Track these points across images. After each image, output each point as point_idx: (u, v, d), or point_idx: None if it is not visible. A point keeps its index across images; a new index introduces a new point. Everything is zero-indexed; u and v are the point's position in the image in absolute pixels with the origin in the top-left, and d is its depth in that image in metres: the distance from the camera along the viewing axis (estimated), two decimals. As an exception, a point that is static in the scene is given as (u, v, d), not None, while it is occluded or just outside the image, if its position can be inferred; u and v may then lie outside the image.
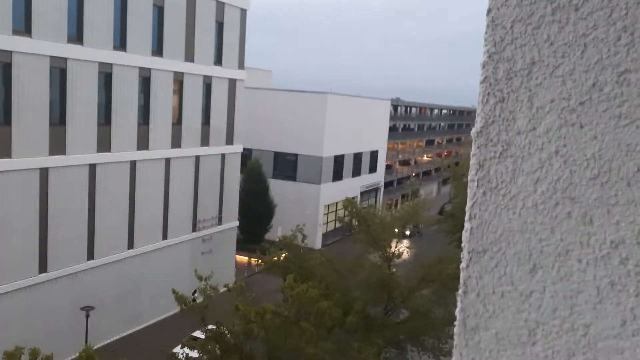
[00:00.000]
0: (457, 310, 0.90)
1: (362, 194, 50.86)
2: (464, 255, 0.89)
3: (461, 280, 0.89)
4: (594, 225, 0.80)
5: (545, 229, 0.83)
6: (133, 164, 25.36)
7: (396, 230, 25.03)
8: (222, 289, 17.11)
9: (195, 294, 31.24)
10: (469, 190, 0.89)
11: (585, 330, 0.81)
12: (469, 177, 0.89)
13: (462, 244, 0.90)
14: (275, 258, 21.58)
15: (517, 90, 0.84)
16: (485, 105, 0.86)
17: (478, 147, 0.87)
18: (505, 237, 0.86)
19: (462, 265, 0.89)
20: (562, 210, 0.82)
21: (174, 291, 16.13)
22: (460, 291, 0.89)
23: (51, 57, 21.10)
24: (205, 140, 29.71)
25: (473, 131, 0.88)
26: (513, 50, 0.83)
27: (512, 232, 0.85)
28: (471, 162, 0.89)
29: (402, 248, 24.05)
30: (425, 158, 75.49)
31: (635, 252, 0.78)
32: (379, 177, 54.27)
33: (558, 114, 0.82)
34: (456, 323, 0.90)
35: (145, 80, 25.62)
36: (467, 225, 0.88)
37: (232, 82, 31.22)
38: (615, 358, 0.79)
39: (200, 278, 16.00)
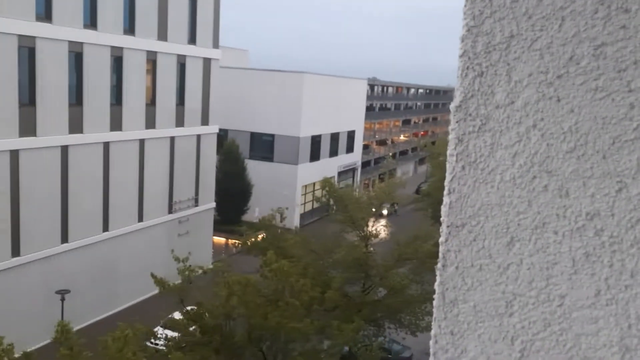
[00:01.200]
0: (436, 284, 0.91)
1: (339, 174, 50.97)
2: (443, 229, 0.90)
3: (440, 254, 0.90)
4: (570, 197, 0.81)
5: (522, 202, 0.84)
6: (106, 145, 24.95)
7: (373, 209, 25.19)
8: (200, 271, 17.07)
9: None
10: (447, 165, 0.89)
11: (561, 301, 0.83)
12: (448, 152, 0.89)
13: (441, 218, 0.90)
14: (253, 239, 21.58)
15: (495, 64, 0.84)
16: (464, 79, 0.86)
17: (457, 122, 0.87)
18: (484, 211, 0.87)
19: (441, 239, 0.90)
20: (539, 183, 0.83)
21: (152, 275, 16.02)
22: (439, 265, 0.90)
23: (19, 35, 20.47)
24: (180, 121, 29.34)
25: (452, 105, 0.88)
26: (492, 23, 0.83)
27: (490, 205, 0.86)
28: (450, 136, 0.89)
29: (379, 227, 24.25)
30: (402, 138, 75.85)
31: (610, 223, 0.80)
32: (356, 157, 54.40)
33: (536, 88, 0.82)
34: (435, 296, 0.91)
35: (117, 59, 25.08)
36: (445, 199, 0.89)
37: (207, 62, 30.77)
38: (590, 327, 0.81)
39: (177, 259, 15.91)
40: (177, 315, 16.96)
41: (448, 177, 0.89)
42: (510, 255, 0.85)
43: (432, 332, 0.91)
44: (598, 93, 0.79)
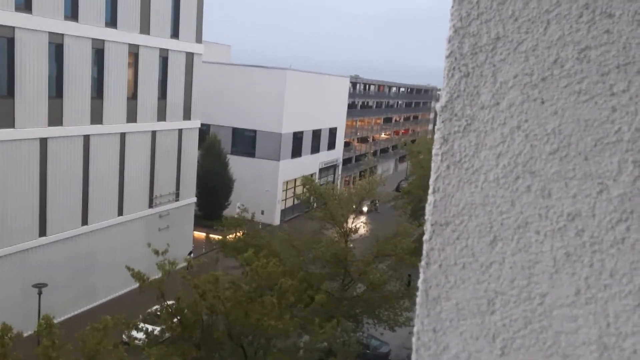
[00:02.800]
0: (419, 281, 0.91)
1: (320, 170, 51.01)
2: (427, 227, 0.90)
3: (424, 252, 0.90)
4: (552, 198, 0.82)
5: (505, 202, 0.85)
6: (87, 138, 24.59)
7: (353, 206, 25.26)
8: (182, 264, 16.92)
9: (191, 255, 31.16)
10: (432, 164, 0.89)
11: (542, 299, 0.83)
12: (433, 151, 0.90)
13: (426, 217, 0.91)
14: (232, 236, 21.48)
15: (481, 65, 0.84)
16: (451, 79, 0.86)
17: (442, 122, 0.87)
18: (467, 210, 0.87)
19: (425, 237, 0.90)
20: (522, 183, 0.84)
21: (128, 268, 15.79)
22: (422, 263, 0.90)
23: (-3, 25, 20.06)
24: (161, 115, 29.05)
25: (438, 105, 0.88)
26: (478, 25, 0.83)
27: (474, 205, 0.86)
28: (435, 136, 0.89)
29: (359, 224, 24.31)
30: (383, 135, 76.14)
31: (591, 224, 0.81)
32: (337, 154, 54.47)
33: (521, 90, 0.82)
34: (418, 294, 0.91)
35: (98, 52, 24.71)
36: (430, 198, 0.89)
37: (190, 56, 30.49)
38: (569, 325, 0.82)
39: (156, 252, 15.72)
40: (157, 309, 16.81)
41: (433, 176, 0.89)
42: (493, 254, 0.86)
43: (415, 329, 0.92)
44: (581, 96, 0.80)
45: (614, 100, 0.78)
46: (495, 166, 0.85)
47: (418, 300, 0.91)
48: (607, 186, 0.79)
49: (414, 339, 0.92)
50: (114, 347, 13.21)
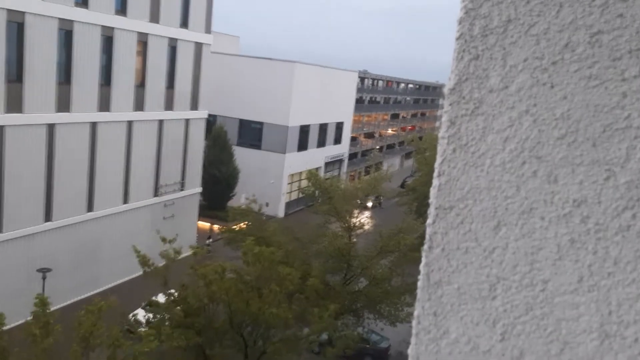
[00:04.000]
0: (421, 265, 0.91)
1: (326, 164, 51.00)
2: (431, 211, 0.90)
3: (427, 236, 0.90)
4: (559, 184, 0.81)
5: (511, 187, 0.84)
6: (94, 125, 24.67)
7: (358, 201, 25.26)
8: (185, 253, 16.99)
9: (210, 240, 31.36)
10: (438, 147, 0.89)
11: (544, 286, 0.83)
12: (440, 134, 0.89)
13: (430, 200, 0.90)
14: (235, 227, 21.53)
15: (491, 47, 0.83)
16: (460, 62, 0.85)
17: (450, 105, 0.87)
18: (472, 194, 0.87)
19: (429, 221, 0.90)
20: (528, 168, 0.83)
21: (135, 250, 15.86)
22: (425, 246, 0.90)
23: (8, 10, 20.09)
24: (169, 105, 29.08)
25: (446, 88, 0.87)
26: (490, 7, 0.82)
27: (479, 189, 0.86)
28: (442, 119, 0.88)
29: (363, 219, 24.32)
30: (389, 131, 75.99)
31: (596, 211, 0.80)
32: (343, 148, 54.43)
33: (530, 73, 0.82)
34: (420, 277, 0.91)
35: (107, 39, 24.74)
36: (435, 181, 0.89)
37: (198, 46, 30.48)
38: (571, 312, 0.82)
39: (164, 240, 15.80)
40: (160, 297, 16.91)
41: (438, 159, 0.88)
42: (497, 239, 0.85)
43: (415, 313, 0.91)
44: (592, 81, 0.79)
45: (625, 85, 0.77)
46: (501, 150, 0.84)
47: (419, 284, 0.91)
48: (615, 173, 0.78)
49: (414, 323, 0.92)
50: (109, 329, 13.33)
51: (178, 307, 15.57)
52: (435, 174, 0.89)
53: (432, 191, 0.89)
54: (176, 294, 15.82)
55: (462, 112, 0.86)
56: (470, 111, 0.85)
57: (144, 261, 15.62)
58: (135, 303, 21.12)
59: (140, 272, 17.05)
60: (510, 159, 0.84)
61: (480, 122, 0.85)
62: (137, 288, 24.04)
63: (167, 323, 15.27)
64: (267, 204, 22.07)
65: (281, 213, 43.24)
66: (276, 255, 16.21)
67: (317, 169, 45.95)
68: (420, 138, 52.92)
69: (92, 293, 25.68)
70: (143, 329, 15.56)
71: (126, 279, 26.72)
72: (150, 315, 16.08)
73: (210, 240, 33.09)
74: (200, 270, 15.30)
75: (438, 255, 0.89)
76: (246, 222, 22.02)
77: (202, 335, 15.51)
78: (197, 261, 16.67)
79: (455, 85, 0.86)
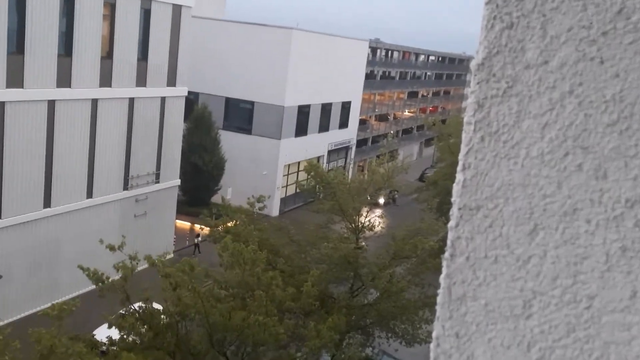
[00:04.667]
0: (441, 277, 0.91)
1: (329, 153, 51.08)
2: (454, 212, 0.90)
3: (448, 242, 0.90)
4: (608, 180, 0.81)
5: (551, 184, 0.84)
6: (51, 104, 24.71)
7: (368, 197, 25.28)
8: (154, 260, 16.95)
9: (199, 238, 31.55)
10: (463, 135, 0.89)
11: (589, 303, 0.83)
12: (465, 119, 0.89)
13: (452, 199, 0.90)
14: (222, 226, 21.54)
15: (528, 14, 0.83)
16: (490, 31, 0.85)
17: (478, 83, 0.86)
18: (504, 192, 0.86)
19: (451, 223, 0.90)
20: (572, 161, 0.83)
21: (82, 268, 15.82)
22: (446, 254, 0.90)
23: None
24: (141, 80, 29.09)
25: (473, 63, 0.87)
26: None
27: (512, 185, 0.86)
28: (469, 100, 0.88)
29: (374, 218, 24.36)
30: (406, 113, 76.04)
31: None
32: (350, 133, 54.48)
33: (575, 46, 0.81)
34: (440, 291, 0.91)
35: (67, 2, 24.72)
36: (459, 176, 0.89)
37: (177, 10, 30.45)
38: (621, 335, 0.81)
39: (112, 248, 15.69)
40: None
41: (463, 149, 0.88)
42: (533, 245, 0.85)
43: (434, 334, 0.91)
44: None
45: None
46: (540, 139, 0.84)
47: (439, 299, 0.91)
48: None
49: (432, 346, 0.92)
50: (72, 339, 13.41)
51: (145, 326, 15.61)
52: (460, 167, 0.88)
53: (456, 188, 0.89)
54: (141, 309, 15.81)
55: (493, 92, 0.86)
56: (502, 91, 0.85)
57: (96, 278, 15.64)
58: (99, 318, 21.19)
59: (114, 277, 17.13)
60: (550, 149, 0.84)
61: (514, 105, 0.85)
62: (104, 299, 24.07)
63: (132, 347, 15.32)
64: (265, 202, 21.82)
65: (275, 211, 43.34)
66: (259, 255, 16.20)
67: (318, 158, 46.02)
68: (444, 121, 52.93)
69: (50, 304, 25.80)
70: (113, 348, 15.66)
71: (92, 287, 26.78)
72: (116, 334, 16.13)
73: (200, 239, 33.27)
74: (163, 271, 15.27)
75: (462, 265, 0.89)
76: (236, 220, 21.98)
77: (176, 356, 15.58)
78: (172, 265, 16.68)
79: (484, 60, 0.86)
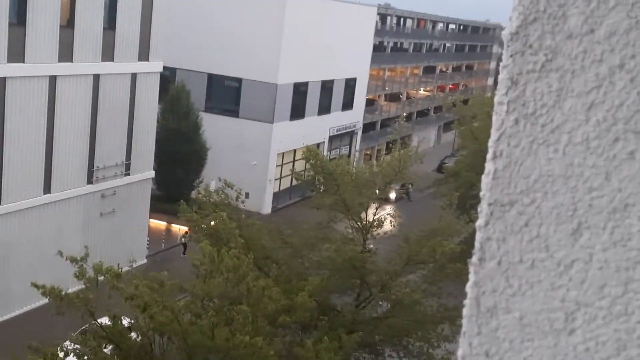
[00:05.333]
0: (468, 285, 0.91)
1: (331, 139, 51.13)
2: (483, 208, 0.90)
3: (476, 244, 0.90)
4: None
5: (598, 175, 0.84)
6: (1, 82, 24.70)
7: (376, 191, 25.33)
8: (126, 267, 17.05)
9: (185, 238, 31.64)
10: (494, 117, 0.89)
11: None
12: (496, 99, 0.89)
13: (481, 193, 0.90)
14: (204, 226, 21.55)
15: None
16: None
17: (511, 56, 0.86)
18: (542, 185, 0.87)
19: (479, 222, 0.90)
20: (622, 148, 0.83)
21: (37, 286, 15.96)
22: (474, 258, 0.90)
23: None
24: (108, 53, 29.07)
25: (506, 32, 0.87)
26: None
27: (551, 177, 0.86)
28: (500, 76, 0.88)
29: (384, 216, 24.42)
30: (421, 92, 76.03)
31: None
32: (356, 116, 54.52)
33: (627, 11, 0.81)
34: (466, 303, 0.91)
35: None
36: (489, 166, 0.89)
37: (150, -30, 30.43)
38: None
39: (74, 260, 15.82)
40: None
41: (494, 134, 0.88)
42: (576, 248, 0.86)
43: (460, 352, 0.92)
44: None
45: None
46: (584, 122, 0.84)
47: (465, 311, 0.91)
48: None
49: None
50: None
51: (110, 348, 15.70)
52: (489, 155, 0.89)
53: (485, 180, 0.89)
54: (105, 328, 15.91)
55: (529, 66, 0.86)
56: (540, 66, 0.85)
57: (52, 294, 15.75)
58: (61, 334, 21.27)
59: (74, 287, 17.18)
60: (596, 134, 0.84)
61: (554, 82, 0.85)
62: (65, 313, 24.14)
63: None
64: (246, 195, 21.90)
65: (267, 208, 43.43)
66: (243, 261, 16.22)
67: (318, 145, 45.99)
68: (466, 102, 52.97)
69: (1, 320, 25.89)
70: None
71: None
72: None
73: (187, 238, 33.23)
74: (127, 291, 15.37)
75: (493, 271, 0.89)
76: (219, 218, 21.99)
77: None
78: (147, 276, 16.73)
79: (518, 29, 0.86)
